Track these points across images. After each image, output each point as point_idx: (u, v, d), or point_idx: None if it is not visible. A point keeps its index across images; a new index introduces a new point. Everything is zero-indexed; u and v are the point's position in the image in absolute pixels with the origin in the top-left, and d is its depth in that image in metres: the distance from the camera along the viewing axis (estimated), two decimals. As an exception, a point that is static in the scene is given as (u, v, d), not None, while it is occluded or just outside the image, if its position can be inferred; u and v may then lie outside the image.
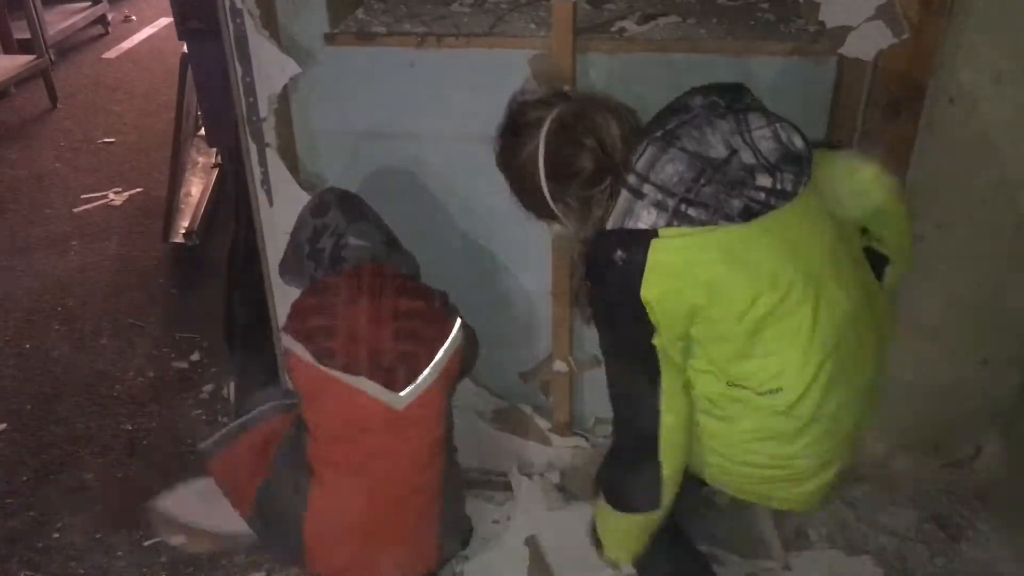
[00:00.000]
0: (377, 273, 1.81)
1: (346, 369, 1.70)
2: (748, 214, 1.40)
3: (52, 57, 5.37)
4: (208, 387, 2.87)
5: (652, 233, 1.41)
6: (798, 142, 1.45)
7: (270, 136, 2.06)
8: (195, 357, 3.02)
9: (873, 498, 2.32)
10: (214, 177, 3.91)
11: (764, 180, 1.40)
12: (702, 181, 1.40)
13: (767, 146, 1.43)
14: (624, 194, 1.45)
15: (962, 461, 2.30)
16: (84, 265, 3.62)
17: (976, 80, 1.84)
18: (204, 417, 2.74)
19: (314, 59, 2.04)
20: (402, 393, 1.72)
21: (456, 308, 1.89)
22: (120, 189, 4.24)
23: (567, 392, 2.31)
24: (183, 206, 3.77)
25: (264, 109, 2.02)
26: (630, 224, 1.43)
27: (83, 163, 4.53)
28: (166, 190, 3.69)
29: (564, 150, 1.49)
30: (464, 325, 1.87)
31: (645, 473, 1.59)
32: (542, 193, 1.54)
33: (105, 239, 3.81)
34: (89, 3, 6.15)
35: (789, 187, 1.41)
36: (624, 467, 1.66)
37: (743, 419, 1.54)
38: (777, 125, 1.45)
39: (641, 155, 1.45)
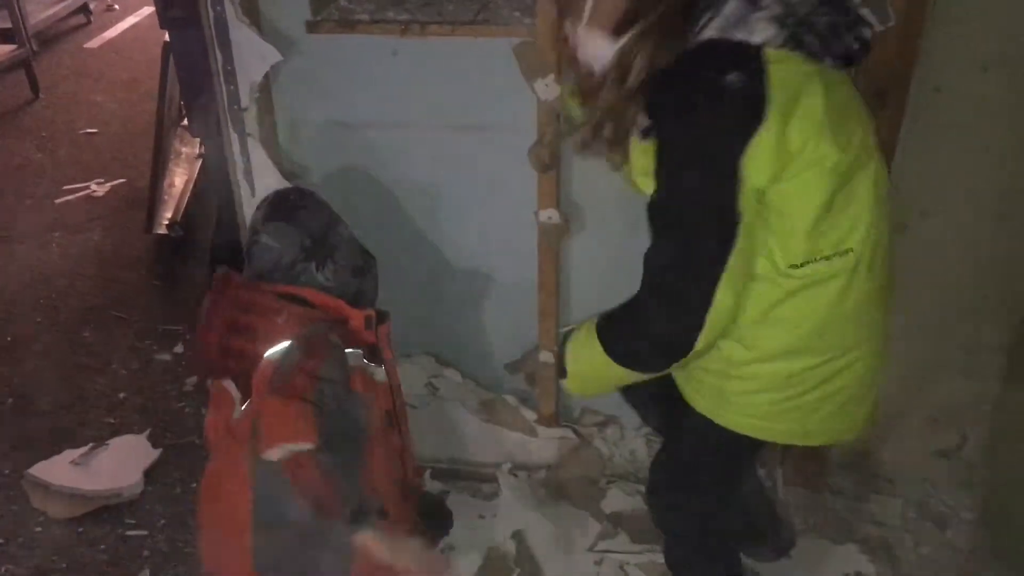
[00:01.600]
0: (224, 283, 1.75)
1: (208, 375, 1.69)
2: (845, 60, 1.32)
3: (34, 47, 5.31)
4: (192, 380, 2.85)
5: (760, 51, 1.24)
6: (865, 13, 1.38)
7: (252, 126, 2.04)
8: (178, 349, 3.00)
9: (859, 487, 2.33)
10: (198, 168, 3.87)
11: (864, 31, 1.33)
12: (823, 10, 1.28)
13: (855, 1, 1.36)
14: (733, 1, 1.26)
15: (948, 450, 2.31)
16: (66, 257, 3.59)
17: (962, 68, 1.84)
18: (187, 410, 2.72)
19: (296, 47, 2.02)
20: (241, 408, 1.63)
21: (320, 328, 1.68)
22: (102, 180, 4.20)
23: (553, 383, 2.30)
24: (166, 197, 3.73)
25: (245, 98, 2.00)
26: (741, 36, 1.24)
27: (65, 154, 4.49)
28: (149, 181, 3.65)
29: None
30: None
31: (664, 342, 1.40)
32: None
33: (87, 231, 3.78)
34: (70, -8, 6.09)
35: (866, 49, 1.34)
36: (639, 327, 1.43)
37: (808, 307, 1.40)
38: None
39: None
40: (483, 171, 2.12)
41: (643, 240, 1.42)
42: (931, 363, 2.20)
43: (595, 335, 1.52)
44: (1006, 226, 2.01)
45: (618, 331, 1.49)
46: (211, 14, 1.92)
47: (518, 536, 2.20)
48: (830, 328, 1.42)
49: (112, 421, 2.69)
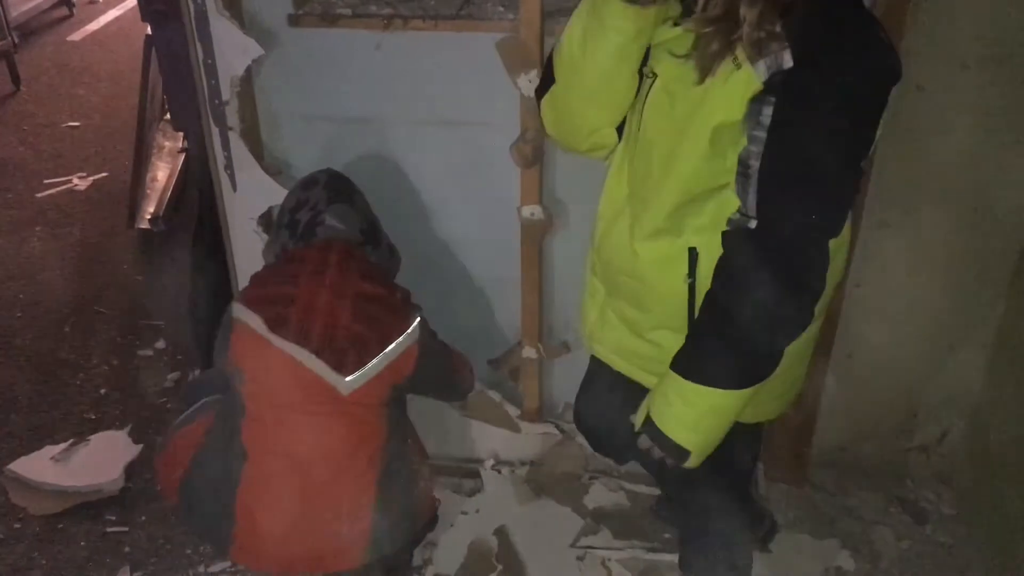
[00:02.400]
0: (347, 252, 1.77)
1: (297, 341, 1.65)
2: None
3: (15, 39, 5.26)
4: (173, 375, 2.83)
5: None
6: None
7: (233, 119, 2.02)
8: (160, 345, 2.98)
9: (840, 482, 2.34)
10: (180, 162, 3.84)
11: None
12: None
13: None
14: None
15: (928, 445, 2.32)
16: (47, 251, 3.56)
17: (944, 67, 1.85)
18: (169, 405, 2.70)
19: (278, 41, 2.00)
20: (348, 378, 1.67)
21: (418, 308, 1.83)
22: (84, 174, 4.17)
23: (536, 379, 2.30)
24: (149, 191, 3.70)
25: (226, 92, 1.98)
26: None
27: (46, 147, 4.45)
28: (131, 175, 3.62)
29: None
30: (431, 333, 1.84)
31: (786, 319, 1.27)
32: None
33: (69, 225, 3.75)
34: (53, -16, 6.04)
35: None
36: (756, 319, 1.27)
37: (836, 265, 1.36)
38: None
39: None
40: (466, 167, 2.11)
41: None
42: (912, 358, 2.21)
43: (688, 385, 1.32)
44: (986, 223, 2.02)
45: (726, 349, 1.30)
46: (191, 7, 1.90)
47: (501, 532, 2.20)
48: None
49: (93, 417, 2.67)
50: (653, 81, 1.34)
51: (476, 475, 2.36)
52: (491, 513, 2.25)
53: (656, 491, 2.25)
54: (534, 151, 1.98)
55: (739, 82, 1.20)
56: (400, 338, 1.72)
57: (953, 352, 2.20)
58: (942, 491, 2.31)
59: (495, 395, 2.36)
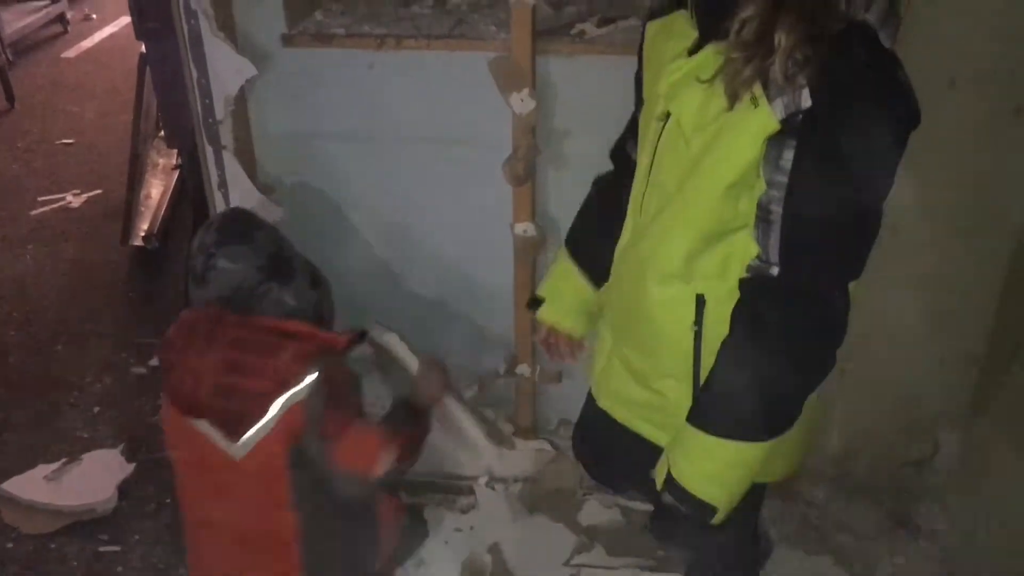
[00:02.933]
0: (214, 318, 1.70)
1: (189, 412, 1.66)
2: None
3: (9, 56, 5.28)
4: (167, 393, 2.83)
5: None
6: None
7: (227, 138, 2.03)
8: (154, 362, 2.97)
9: (833, 497, 2.34)
10: (174, 179, 3.85)
11: None
12: None
13: None
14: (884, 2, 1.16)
15: (921, 460, 2.33)
16: (41, 269, 3.56)
17: (930, 85, 1.86)
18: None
19: (271, 61, 2.02)
20: (239, 443, 1.64)
21: (321, 363, 1.65)
22: (78, 191, 4.17)
23: (530, 396, 2.31)
24: (143, 208, 3.71)
25: (220, 111, 1.99)
26: (882, 36, 1.15)
27: (40, 165, 4.46)
28: (125, 192, 3.63)
29: None
30: (326, 381, 1.66)
31: (812, 364, 1.26)
32: None
33: (63, 242, 3.75)
34: (48, 2, 6.06)
35: None
36: (778, 366, 1.24)
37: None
38: None
39: None
40: (459, 184, 2.12)
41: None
42: (904, 373, 2.22)
43: (710, 439, 1.28)
44: (974, 241, 2.03)
45: (751, 398, 1.26)
46: (185, 28, 1.92)
47: (494, 549, 2.20)
48: None
49: (86, 435, 2.66)
50: (665, 123, 1.30)
51: (470, 492, 2.36)
52: (485, 530, 2.25)
53: (651, 508, 2.25)
54: (526, 169, 1.99)
55: (755, 121, 1.15)
56: (281, 400, 1.62)
57: (945, 366, 2.21)
58: (936, 506, 2.31)
59: (489, 412, 2.36)
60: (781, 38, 1.10)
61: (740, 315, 1.28)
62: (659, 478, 1.38)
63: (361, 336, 1.81)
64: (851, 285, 1.24)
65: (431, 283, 2.26)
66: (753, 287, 1.27)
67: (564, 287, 1.67)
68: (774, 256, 1.22)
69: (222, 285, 1.69)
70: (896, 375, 2.22)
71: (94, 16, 6.67)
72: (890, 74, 1.14)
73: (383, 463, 1.69)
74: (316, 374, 1.62)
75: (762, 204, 1.21)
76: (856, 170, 1.15)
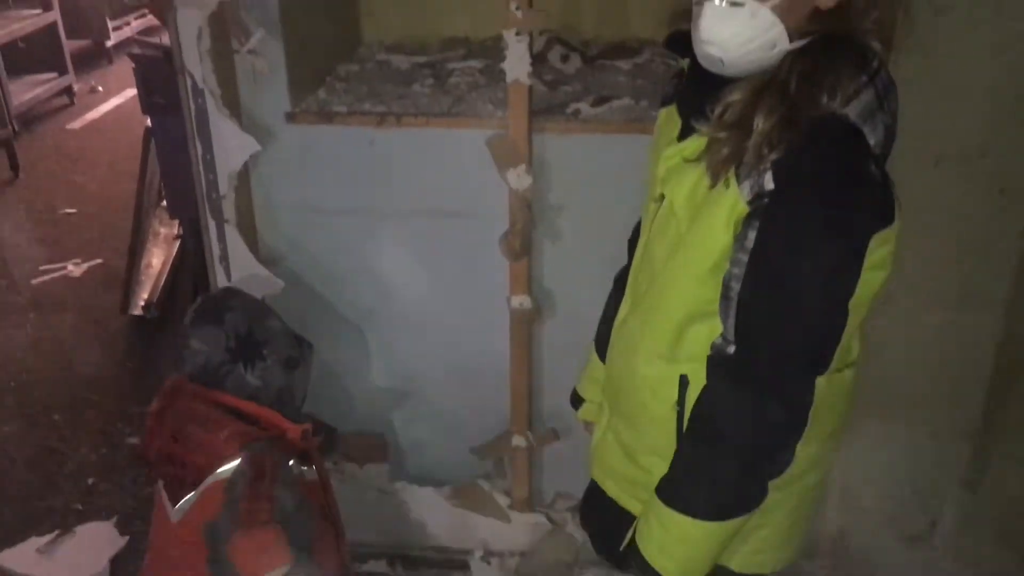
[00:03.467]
0: (175, 389, 1.78)
1: (149, 472, 1.75)
2: None
3: (16, 127, 5.37)
4: (162, 463, 2.81)
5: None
6: None
7: (229, 212, 2.07)
8: (150, 432, 2.97)
9: (831, 574, 2.32)
10: (175, 248, 3.89)
11: None
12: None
13: None
14: (871, 92, 1.14)
15: (918, 535, 2.31)
16: (40, 338, 3.57)
17: (916, 163, 1.91)
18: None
19: (275, 137, 2.07)
20: (175, 508, 1.70)
21: (258, 447, 1.68)
22: (80, 260, 4.21)
23: (526, 467, 2.30)
24: (143, 277, 3.74)
25: (224, 186, 2.03)
26: (866, 129, 1.13)
27: (43, 234, 4.50)
28: (126, 261, 3.67)
29: None
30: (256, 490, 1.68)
31: (766, 452, 1.23)
32: None
33: (63, 311, 3.77)
34: (55, 74, 6.18)
35: None
36: (734, 450, 1.24)
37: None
38: None
39: (880, 67, 1.17)
40: (456, 257, 2.15)
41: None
42: (900, 447, 2.23)
43: (665, 509, 1.29)
44: (964, 316, 2.06)
45: (700, 477, 1.27)
46: (192, 106, 1.97)
47: (490, 625, 2.18)
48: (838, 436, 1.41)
49: (80, 507, 2.65)
50: (661, 204, 1.33)
51: (465, 567, 2.33)
52: (480, 605, 2.23)
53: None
54: (522, 243, 2.03)
55: (727, 201, 1.18)
56: (207, 479, 1.66)
57: (940, 441, 2.21)
58: (935, 582, 2.30)
59: (484, 484, 2.36)
60: (759, 121, 1.13)
61: (702, 392, 1.29)
62: (627, 538, 1.42)
63: (319, 431, 1.85)
64: (820, 380, 1.21)
65: (426, 353, 2.27)
66: (711, 365, 1.28)
67: (594, 385, 1.69)
68: (731, 334, 1.24)
69: (193, 363, 1.78)
70: (891, 450, 2.22)
71: (100, 88, 6.80)
72: (856, 171, 1.13)
73: None
74: (242, 458, 1.65)
75: (725, 280, 1.22)
76: (812, 258, 1.14)
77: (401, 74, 2.29)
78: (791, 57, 1.15)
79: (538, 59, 2.07)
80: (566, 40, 2.34)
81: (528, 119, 1.93)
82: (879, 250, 1.16)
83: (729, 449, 1.24)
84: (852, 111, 1.12)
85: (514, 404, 2.23)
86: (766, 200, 1.14)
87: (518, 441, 2.26)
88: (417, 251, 2.17)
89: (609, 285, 1.67)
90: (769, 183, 1.13)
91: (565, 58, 2.30)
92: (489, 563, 2.33)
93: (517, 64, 1.85)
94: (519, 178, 1.96)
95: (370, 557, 2.37)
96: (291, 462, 1.76)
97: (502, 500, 2.34)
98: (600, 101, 2.05)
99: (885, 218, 1.15)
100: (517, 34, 1.82)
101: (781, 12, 1.13)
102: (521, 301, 2.10)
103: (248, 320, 1.84)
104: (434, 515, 2.36)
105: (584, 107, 2.04)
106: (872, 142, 1.13)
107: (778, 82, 1.14)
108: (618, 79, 2.24)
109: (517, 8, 1.80)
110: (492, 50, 2.32)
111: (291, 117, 2.05)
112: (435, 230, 2.13)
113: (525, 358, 2.16)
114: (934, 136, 1.88)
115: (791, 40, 1.14)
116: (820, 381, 1.21)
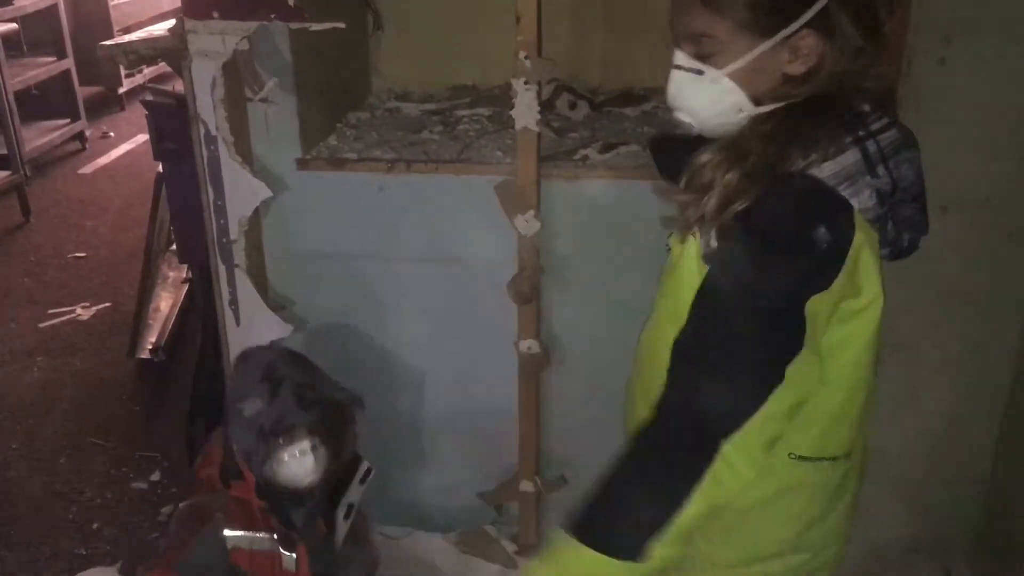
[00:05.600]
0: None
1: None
2: (894, 256, 1.24)
3: (27, 172, 5.42)
4: (167, 508, 2.80)
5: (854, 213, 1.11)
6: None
7: (239, 257, 2.09)
8: (155, 477, 2.96)
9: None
10: (184, 292, 3.90)
11: (918, 238, 1.25)
12: (915, 205, 1.21)
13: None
14: (854, 153, 1.12)
15: (932, 584, 2.29)
16: (47, 381, 3.57)
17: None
18: (160, 541, 2.66)
19: (285, 183, 2.09)
20: None
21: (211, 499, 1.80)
22: (88, 304, 4.22)
23: (533, 513, 2.29)
24: (151, 321, 3.74)
25: (234, 231, 2.05)
26: (846, 192, 1.10)
27: (52, 277, 4.52)
28: (135, 305, 3.68)
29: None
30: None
31: (669, 479, 1.14)
32: None
33: (70, 355, 3.77)
34: (68, 120, 6.26)
35: (905, 254, 1.27)
36: (645, 464, 1.18)
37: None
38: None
39: (883, 127, 1.15)
40: (464, 303, 2.16)
41: (620, 371, 1.45)
42: (912, 497, 2.21)
43: (580, 548, 1.15)
44: (975, 361, 2.05)
45: (610, 516, 1.17)
46: (204, 153, 2.00)
47: (497, 675, 2.14)
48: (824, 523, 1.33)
49: (84, 552, 2.63)
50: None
51: (472, 614, 2.31)
52: (487, 655, 2.20)
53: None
54: (531, 288, 2.04)
55: (692, 252, 1.20)
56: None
57: (953, 487, 2.19)
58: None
59: (491, 530, 2.34)
60: (718, 179, 1.14)
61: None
62: None
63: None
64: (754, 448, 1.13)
65: (434, 398, 2.27)
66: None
67: None
68: None
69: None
70: (902, 496, 2.21)
71: (112, 134, 6.87)
72: (795, 234, 1.10)
73: None
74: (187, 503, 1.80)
75: None
76: (727, 320, 1.13)
77: (410, 121, 2.32)
78: (754, 120, 1.16)
79: (546, 106, 2.10)
80: (573, 88, 2.38)
81: (537, 165, 1.95)
82: (818, 317, 1.12)
83: (612, 488, 1.17)
84: (826, 172, 1.10)
85: (522, 449, 2.22)
86: (709, 257, 1.17)
87: (526, 487, 2.25)
88: (425, 296, 2.18)
89: (616, 329, 1.67)
90: (714, 240, 1.15)
91: (573, 105, 2.34)
92: (497, 611, 2.30)
93: (526, 112, 1.88)
94: (528, 224, 1.98)
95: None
96: (260, 535, 1.77)
97: (509, 546, 2.32)
98: (608, 147, 2.08)
99: (823, 279, 1.10)
100: (526, 83, 1.85)
101: (739, 79, 1.14)
102: (529, 346, 2.10)
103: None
104: (441, 561, 2.33)
105: (592, 153, 2.06)
106: (857, 205, 1.11)
107: (740, 143, 1.15)
108: (625, 126, 2.27)
109: (526, 58, 1.83)
110: (500, 97, 2.35)
111: (302, 164, 2.08)
112: (443, 275, 2.14)
113: (533, 403, 2.16)
114: (941, 184, 1.89)
115: (761, 103, 1.15)
116: (785, 462, 1.22)
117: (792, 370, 1.12)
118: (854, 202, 1.11)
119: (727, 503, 1.15)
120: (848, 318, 1.18)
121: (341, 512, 1.90)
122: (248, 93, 1.99)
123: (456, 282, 2.14)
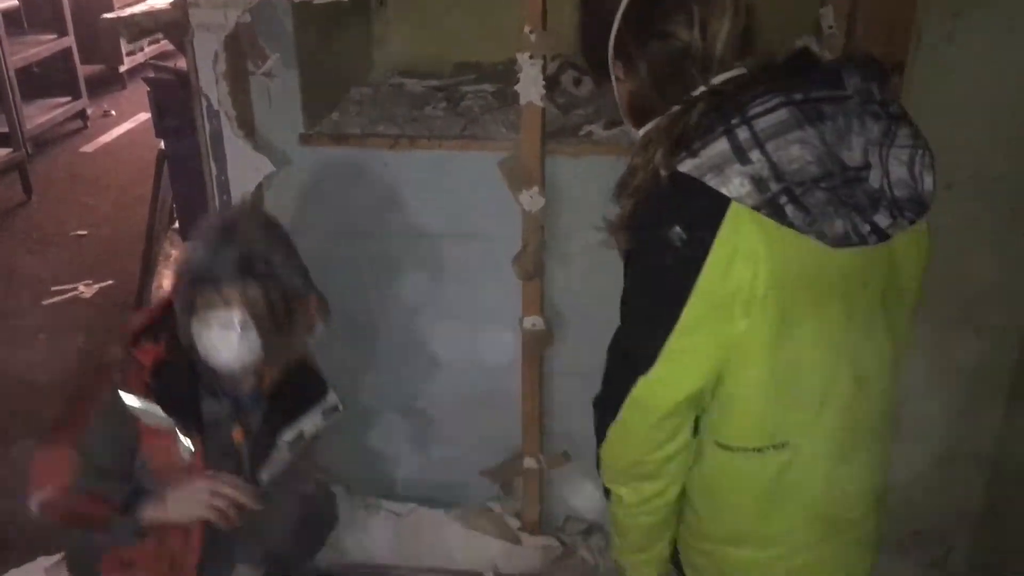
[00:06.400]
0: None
1: None
2: (841, 242, 1.13)
3: (29, 150, 5.41)
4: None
5: (724, 203, 1.13)
6: (928, 183, 1.15)
7: (242, 233, 2.08)
8: (159, 453, 2.96)
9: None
10: (186, 270, 3.90)
11: (882, 218, 1.14)
12: (822, 184, 1.12)
13: (898, 174, 1.15)
14: (722, 143, 1.12)
15: (934, 562, 2.29)
16: (50, 359, 3.57)
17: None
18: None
19: (288, 159, 2.08)
20: None
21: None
22: (90, 282, 4.22)
23: (537, 490, 2.29)
24: (153, 299, 3.75)
25: (237, 207, 2.05)
26: (713, 183, 1.11)
27: (54, 256, 4.52)
28: (137, 282, 3.68)
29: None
30: None
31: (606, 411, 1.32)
32: (607, 35, 1.25)
33: (72, 332, 3.77)
34: (69, 98, 6.23)
35: (891, 233, 1.15)
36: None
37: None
38: (920, 152, 1.15)
39: (767, 110, 1.12)
40: (468, 279, 2.16)
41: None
42: (915, 473, 2.20)
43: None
44: (982, 338, 2.05)
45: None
46: (207, 127, 1.99)
47: (500, 650, 2.16)
48: (773, 519, 1.32)
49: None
50: None
51: (475, 589, 2.32)
52: (491, 630, 2.21)
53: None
54: (535, 264, 2.03)
55: None
56: None
57: (955, 465, 2.19)
58: (950, 610, 2.27)
59: (495, 506, 2.34)
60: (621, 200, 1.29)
61: None
62: None
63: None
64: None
65: (437, 375, 2.27)
66: None
67: None
68: None
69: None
70: (905, 474, 2.20)
71: (113, 112, 6.85)
72: (654, 223, 1.18)
73: (35, 498, 1.61)
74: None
75: None
76: (628, 289, 1.28)
77: (414, 97, 2.31)
78: (640, 139, 1.28)
79: (551, 83, 2.08)
80: (578, 64, 2.36)
81: (541, 141, 1.94)
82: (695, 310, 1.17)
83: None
84: (688, 166, 1.14)
85: (526, 426, 2.22)
86: None
87: (529, 463, 2.25)
88: (428, 273, 2.17)
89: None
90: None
91: (577, 82, 2.32)
92: (500, 586, 2.31)
93: (531, 87, 1.86)
94: (532, 199, 1.97)
95: (379, 580, 2.36)
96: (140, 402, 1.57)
97: (513, 522, 2.33)
98: (612, 124, 2.06)
99: (687, 277, 1.15)
100: (531, 57, 1.84)
101: (623, 112, 1.32)
102: (533, 322, 2.10)
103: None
104: (444, 537, 2.34)
105: (596, 129, 2.05)
106: (733, 194, 1.11)
107: (631, 162, 1.26)
108: (630, 102, 2.25)
109: (531, 32, 1.82)
110: (504, 74, 2.34)
111: (305, 139, 2.07)
112: (447, 252, 2.14)
113: (537, 379, 2.16)
114: (948, 160, 1.88)
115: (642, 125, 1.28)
116: (713, 448, 1.28)
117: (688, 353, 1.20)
118: (724, 190, 1.11)
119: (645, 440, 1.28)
120: (743, 309, 1.16)
121: (286, 437, 1.74)
122: (251, 67, 1.98)
123: (460, 259, 2.14)
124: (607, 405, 1.31)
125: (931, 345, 2.06)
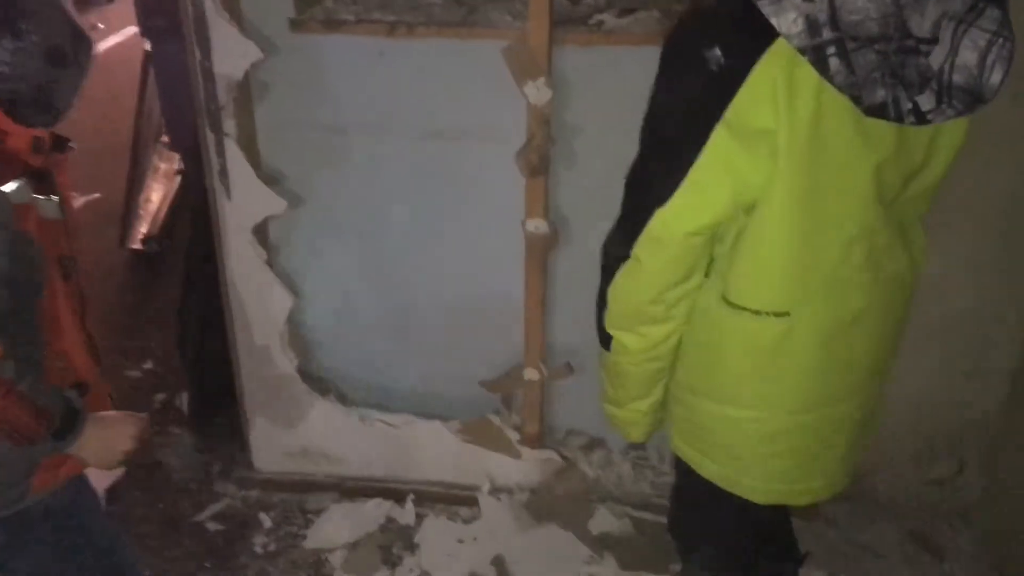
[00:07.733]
0: None
1: None
2: (876, 112, 1.08)
3: (13, 62, 5.24)
4: (160, 396, 2.75)
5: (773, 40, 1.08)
6: (997, 77, 1.05)
7: (229, 126, 1.96)
8: (148, 365, 2.90)
9: (853, 516, 2.24)
10: (176, 184, 3.79)
11: (925, 100, 1.07)
12: (876, 46, 1.05)
13: (965, 59, 1.04)
14: None
15: (945, 478, 2.24)
16: (36, 271, 3.48)
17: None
18: (156, 428, 2.60)
19: (277, 46, 1.95)
20: None
21: None
22: (77, 195, 4.08)
23: (538, 402, 2.22)
24: (142, 212, 3.65)
25: (223, 96, 1.92)
26: (767, 10, 1.06)
27: (40, 168, 4.39)
28: (124, 194, 3.56)
29: None
30: None
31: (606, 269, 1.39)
32: None
33: (59, 245, 3.67)
34: (55, 10, 6.04)
35: (932, 119, 1.08)
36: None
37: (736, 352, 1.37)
38: (1001, 40, 1.04)
39: None
40: (469, 178, 2.05)
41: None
42: (931, 386, 2.13)
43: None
44: (1008, 249, 1.96)
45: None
46: (190, 9, 1.85)
47: (499, 562, 2.10)
48: (760, 383, 1.33)
49: (75, 439, 2.57)
50: None
51: (473, 503, 2.26)
52: (489, 541, 2.15)
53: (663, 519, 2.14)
54: (540, 159, 1.92)
55: None
56: None
57: (970, 381, 2.12)
58: (960, 526, 2.22)
59: (495, 419, 2.27)
60: None
61: None
62: None
63: (59, 144, 1.43)
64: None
65: (435, 279, 2.17)
66: None
67: None
68: None
69: None
70: (918, 387, 2.13)
71: (101, 26, 6.64)
72: (696, 40, 1.15)
73: None
74: None
75: None
76: (654, 102, 1.26)
77: (413, -17, 2.16)
78: None
79: (560, -33, 1.95)
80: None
81: (549, 27, 1.81)
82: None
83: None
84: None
85: (528, 335, 2.13)
86: None
87: (531, 375, 2.17)
88: (427, 172, 2.06)
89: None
90: None
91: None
92: (499, 499, 2.25)
93: (539, -33, 1.73)
94: (538, 91, 1.85)
95: (376, 493, 2.30)
96: (14, 185, 1.28)
97: (512, 435, 2.26)
98: (625, 12, 1.93)
99: (717, 103, 1.14)
100: (540, -68, 1.70)
101: None
102: (537, 225, 1.99)
103: None
104: (442, 450, 2.27)
105: (608, 18, 1.92)
106: (782, 31, 1.06)
107: None
108: (644, -9, 2.11)
109: (540, -97, 1.67)
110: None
111: (295, 25, 1.93)
112: (447, 149, 2.02)
113: (540, 286, 2.06)
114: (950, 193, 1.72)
115: None
116: (719, 309, 1.29)
117: (704, 180, 1.18)
118: (774, 22, 1.06)
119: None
120: (768, 154, 1.14)
121: None
122: (236, -57, 1.84)
123: (460, 156, 2.02)
124: (620, 242, 1.32)
125: (964, 259, 1.97)
